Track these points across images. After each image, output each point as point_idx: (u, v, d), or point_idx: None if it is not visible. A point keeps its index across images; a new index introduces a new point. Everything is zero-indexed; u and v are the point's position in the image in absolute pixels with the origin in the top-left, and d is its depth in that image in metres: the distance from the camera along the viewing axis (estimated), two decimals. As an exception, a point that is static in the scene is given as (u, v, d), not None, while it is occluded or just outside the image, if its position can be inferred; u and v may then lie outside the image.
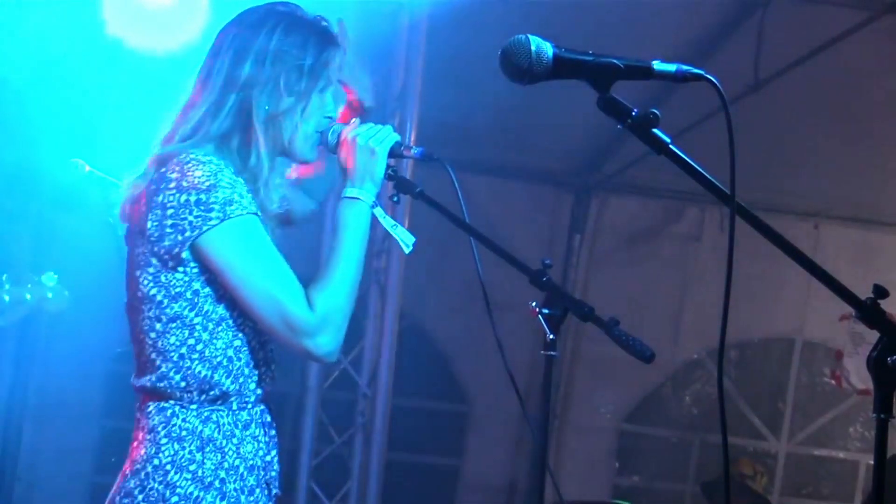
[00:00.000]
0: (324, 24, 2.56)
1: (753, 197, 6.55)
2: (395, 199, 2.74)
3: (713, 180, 1.84)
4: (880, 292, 1.80)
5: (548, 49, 1.81)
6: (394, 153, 2.60)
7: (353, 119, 2.67)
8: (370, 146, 2.56)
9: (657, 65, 1.83)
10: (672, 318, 8.13)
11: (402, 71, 5.93)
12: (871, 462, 2.27)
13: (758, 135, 6.34)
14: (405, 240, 2.69)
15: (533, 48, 1.79)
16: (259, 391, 2.49)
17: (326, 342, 2.41)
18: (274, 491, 2.53)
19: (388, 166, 2.61)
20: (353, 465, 6.13)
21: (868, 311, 1.80)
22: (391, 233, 2.67)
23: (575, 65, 1.82)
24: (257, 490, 2.47)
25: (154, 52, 4.65)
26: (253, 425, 2.48)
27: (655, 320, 7.63)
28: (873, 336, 1.80)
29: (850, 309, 1.81)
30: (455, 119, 6.59)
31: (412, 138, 5.80)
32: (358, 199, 2.54)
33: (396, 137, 2.61)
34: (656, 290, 8.13)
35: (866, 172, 7.38)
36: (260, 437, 2.49)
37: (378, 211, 2.58)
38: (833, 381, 8.38)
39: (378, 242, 5.91)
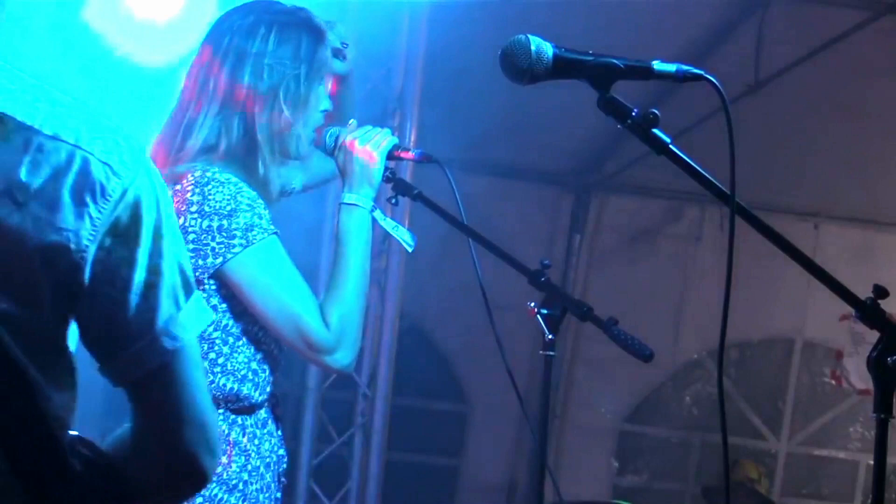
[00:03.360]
0: (305, 16, 2.55)
1: (753, 197, 6.55)
2: (394, 201, 2.75)
3: (713, 180, 1.84)
4: (880, 292, 1.80)
5: (548, 49, 1.80)
6: (392, 155, 2.61)
7: (351, 120, 2.67)
8: (368, 150, 2.57)
9: (657, 65, 1.83)
10: (672, 318, 8.13)
11: (402, 71, 5.93)
12: (871, 462, 2.27)
13: (758, 135, 6.34)
14: (407, 240, 2.70)
15: (533, 48, 1.79)
16: (271, 390, 2.52)
17: (343, 356, 2.46)
18: (283, 480, 2.56)
19: (387, 168, 2.62)
20: (353, 465, 6.13)
21: (868, 311, 1.79)
22: (392, 234, 2.68)
23: (575, 65, 1.82)
24: (272, 485, 2.50)
25: (154, 66, 4.63)
26: (269, 423, 2.50)
27: (655, 320, 7.62)
28: (873, 336, 1.80)
29: (850, 309, 1.81)
30: (455, 119, 6.59)
31: (412, 138, 5.80)
32: (357, 205, 2.55)
33: (394, 140, 2.62)
34: (656, 290, 8.13)
35: (866, 173, 7.39)
36: (274, 433, 2.52)
37: (378, 214, 2.59)
38: (833, 381, 8.40)
39: (378, 243, 5.90)
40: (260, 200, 2.43)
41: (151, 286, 1.42)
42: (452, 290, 7.09)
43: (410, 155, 2.66)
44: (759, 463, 8.20)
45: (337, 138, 2.60)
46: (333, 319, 2.43)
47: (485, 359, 6.89)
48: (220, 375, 2.41)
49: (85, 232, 1.37)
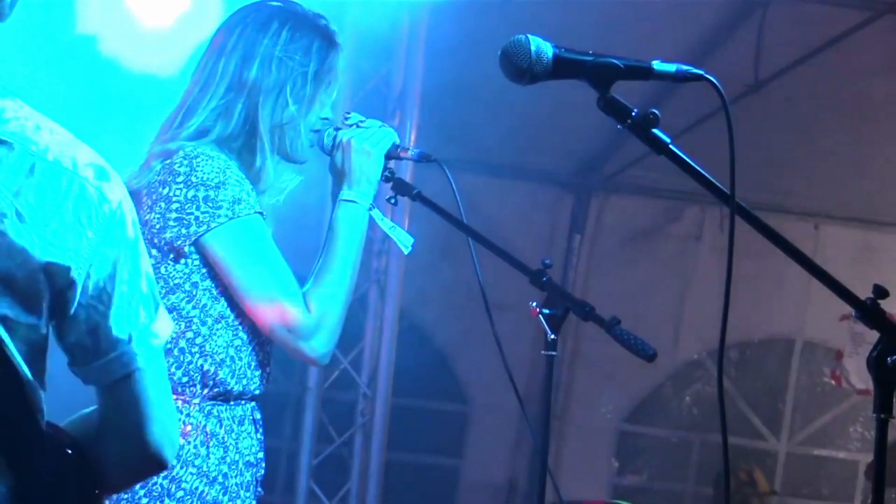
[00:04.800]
0: (324, 23, 2.57)
1: (753, 197, 6.56)
2: (393, 200, 2.74)
3: (713, 180, 1.84)
4: (880, 292, 1.80)
5: (548, 49, 1.80)
6: (391, 155, 2.61)
7: (351, 113, 2.67)
8: (366, 148, 2.56)
9: (657, 65, 1.82)
10: (672, 318, 8.14)
11: (402, 71, 5.93)
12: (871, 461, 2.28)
13: (758, 135, 6.34)
14: (404, 241, 2.70)
15: (533, 48, 1.79)
16: (257, 392, 2.50)
17: (320, 345, 2.43)
18: (260, 491, 2.54)
19: (386, 168, 2.62)
20: (353, 465, 6.13)
21: (868, 311, 1.79)
22: (389, 235, 2.68)
23: (575, 65, 1.82)
24: (252, 486, 2.48)
25: (153, 73, 4.63)
26: (246, 421, 2.49)
27: (655, 320, 7.62)
28: (873, 336, 1.80)
29: (850, 309, 1.81)
30: (455, 119, 6.59)
31: (412, 138, 5.80)
32: (354, 202, 2.55)
33: (394, 139, 2.62)
34: (656, 290, 8.14)
35: (866, 173, 7.39)
36: (252, 434, 2.50)
37: (375, 213, 2.59)
38: (833, 381, 8.40)
39: (378, 242, 5.91)
40: (248, 183, 2.43)
41: (130, 301, 1.59)
42: (452, 290, 7.10)
43: (410, 154, 2.66)
44: (759, 463, 8.22)
45: (335, 137, 2.60)
46: (314, 304, 2.42)
47: (485, 359, 6.89)
48: (197, 356, 2.40)
49: (83, 252, 1.52)
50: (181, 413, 2.40)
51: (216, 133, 2.45)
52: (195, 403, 2.41)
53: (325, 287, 2.46)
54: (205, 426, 2.41)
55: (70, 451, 1.62)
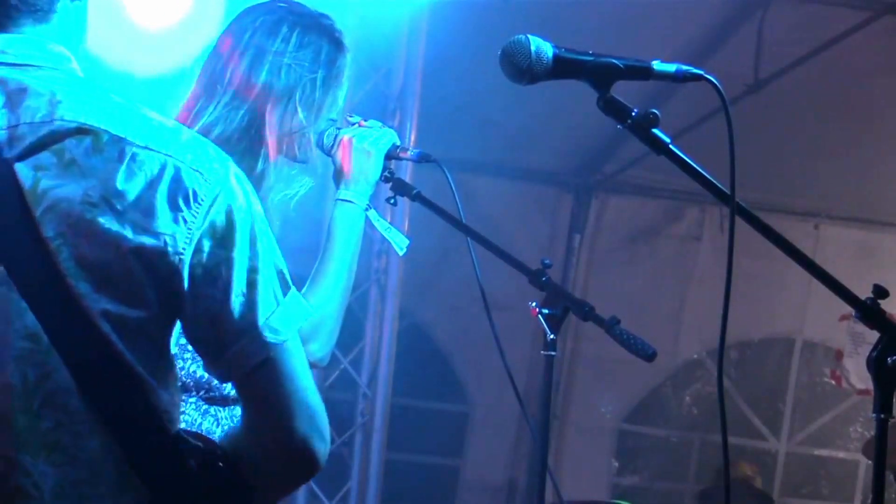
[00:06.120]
0: (331, 24, 2.56)
1: (753, 197, 6.56)
2: (393, 201, 2.74)
3: (713, 180, 1.84)
4: (880, 292, 1.80)
5: (548, 49, 1.80)
6: (391, 155, 2.61)
7: (352, 116, 2.67)
8: (367, 148, 2.56)
9: (657, 65, 1.83)
10: (672, 318, 8.13)
11: (402, 71, 5.93)
12: (871, 462, 2.27)
13: (758, 135, 6.34)
14: (399, 242, 2.70)
15: (533, 48, 1.79)
16: None
17: (318, 349, 2.44)
18: None
19: (386, 168, 2.61)
20: (353, 465, 6.13)
21: (868, 311, 1.80)
22: (385, 235, 2.68)
23: (575, 65, 1.82)
24: None
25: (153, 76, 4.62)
26: None
27: (655, 320, 7.62)
28: (873, 336, 1.80)
29: (850, 309, 1.81)
30: (455, 119, 6.59)
31: (412, 138, 5.80)
32: (351, 202, 2.55)
33: (393, 140, 2.61)
34: (656, 290, 8.13)
35: (866, 172, 7.39)
36: None
37: (372, 213, 2.59)
38: (833, 381, 8.39)
39: (378, 242, 5.90)
40: None
41: (251, 284, 1.51)
42: (452, 289, 7.10)
43: (409, 155, 2.66)
44: (758, 462, 8.21)
45: (335, 137, 2.60)
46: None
47: (485, 359, 6.90)
48: (190, 362, 2.40)
49: (181, 235, 1.47)
50: None
51: (215, 133, 2.45)
52: (191, 402, 2.41)
53: (320, 290, 2.46)
54: (200, 424, 2.41)
55: (222, 465, 1.53)
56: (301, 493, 6.06)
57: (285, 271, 1.57)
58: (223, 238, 1.50)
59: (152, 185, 1.46)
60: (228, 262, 1.50)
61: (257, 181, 2.47)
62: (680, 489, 8.86)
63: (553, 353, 2.78)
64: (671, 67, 1.82)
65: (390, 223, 2.74)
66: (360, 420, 6.13)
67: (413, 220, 5.29)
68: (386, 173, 2.63)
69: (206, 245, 1.49)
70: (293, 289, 1.58)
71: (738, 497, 7.17)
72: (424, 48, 5.92)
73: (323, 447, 1.58)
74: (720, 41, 6.20)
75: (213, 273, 1.49)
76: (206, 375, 2.41)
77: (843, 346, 8.07)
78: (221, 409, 2.45)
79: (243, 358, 1.51)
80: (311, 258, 2.55)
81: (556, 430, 8.24)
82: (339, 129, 2.62)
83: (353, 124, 2.64)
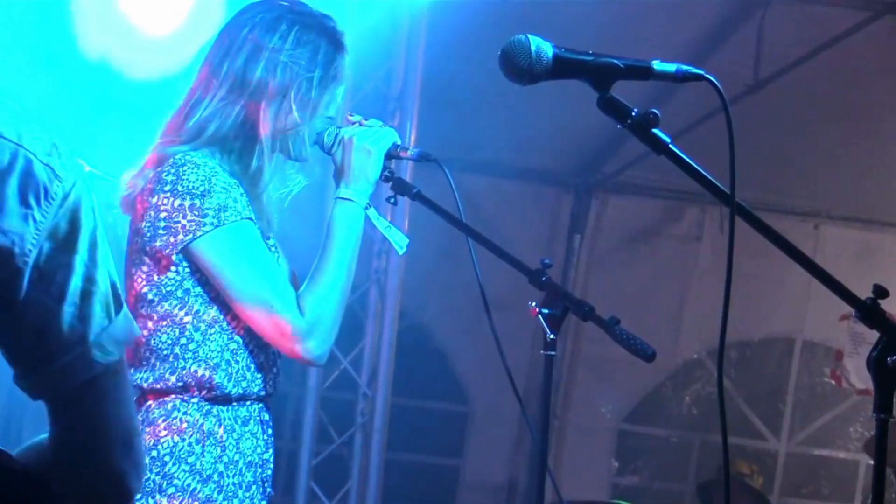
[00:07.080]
0: (332, 25, 2.56)
1: (753, 197, 6.57)
2: (393, 200, 2.74)
3: (713, 180, 1.84)
4: (880, 292, 1.80)
5: (547, 49, 1.80)
6: (391, 154, 2.61)
7: (353, 115, 2.67)
8: (367, 147, 2.56)
9: (657, 65, 1.82)
10: (672, 318, 8.13)
11: (402, 71, 5.93)
12: (871, 462, 2.28)
13: (758, 135, 6.33)
14: (398, 241, 2.70)
15: (533, 48, 1.79)
16: (262, 393, 2.50)
17: (316, 346, 2.44)
18: (268, 490, 2.54)
19: (386, 167, 2.61)
20: (353, 465, 6.13)
21: (868, 311, 1.79)
22: (384, 234, 2.68)
23: (575, 65, 1.82)
24: (253, 487, 2.48)
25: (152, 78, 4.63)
26: (252, 422, 2.49)
27: (655, 320, 7.62)
28: (873, 336, 1.80)
29: (850, 309, 1.81)
30: (455, 119, 6.59)
31: (412, 138, 5.80)
32: (351, 200, 2.55)
33: (394, 139, 2.62)
34: (656, 290, 8.13)
35: (866, 172, 7.38)
36: (258, 435, 2.50)
37: (371, 212, 2.59)
38: (833, 381, 8.39)
39: (378, 242, 5.90)
40: (238, 187, 2.42)
41: (87, 295, 1.36)
42: (452, 289, 7.10)
43: (409, 154, 2.66)
44: (758, 462, 8.21)
45: (336, 136, 2.60)
46: (308, 307, 2.42)
47: (485, 359, 6.89)
48: (191, 361, 2.40)
49: (29, 236, 1.31)
50: (178, 410, 2.41)
51: (211, 131, 2.45)
52: (193, 402, 2.41)
53: (318, 288, 2.46)
54: (202, 424, 2.41)
55: (24, 481, 1.38)
56: (301, 493, 6.06)
57: (119, 285, 1.42)
58: (65, 241, 1.34)
59: (2, 177, 1.29)
60: (67, 268, 1.34)
61: (253, 178, 2.47)
62: (680, 489, 8.86)
63: (553, 353, 2.78)
64: (671, 67, 1.82)
65: (390, 222, 2.75)
66: (360, 420, 6.13)
67: (413, 220, 5.29)
68: (386, 172, 2.63)
69: (48, 248, 1.33)
70: (125, 306, 1.44)
71: (733, 494, 7.16)
72: (424, 48, 5.92)
73: (137, 484, 1.43)
74: (720, 41, 6.20)
75: (51, 279, 1.33)
76: (207, 374, 2.41)
77: (843, 346, 8.05)
78: (223, 408, 2.45)
79: (67, 374, 1.35)
80: (312, 257, 2.55)
81: (556, 430, 8.24)
82: (339, 127, 2.62)
83: (354, 123, 2.64)
